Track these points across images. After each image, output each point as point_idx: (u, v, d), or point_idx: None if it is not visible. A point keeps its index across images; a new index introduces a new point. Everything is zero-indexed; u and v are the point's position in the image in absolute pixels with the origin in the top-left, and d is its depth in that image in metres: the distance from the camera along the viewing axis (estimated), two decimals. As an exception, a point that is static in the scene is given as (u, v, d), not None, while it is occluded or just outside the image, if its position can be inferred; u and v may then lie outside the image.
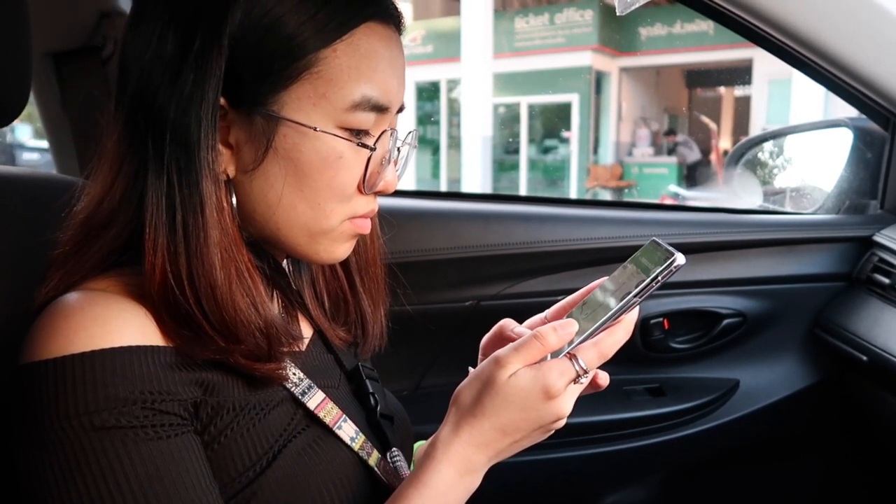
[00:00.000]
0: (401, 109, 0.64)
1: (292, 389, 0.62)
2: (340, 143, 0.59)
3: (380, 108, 0.60)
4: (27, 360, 0.52)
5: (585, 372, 0.58)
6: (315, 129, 0.57)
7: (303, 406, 0.62)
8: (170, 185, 0.55)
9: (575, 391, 0.60)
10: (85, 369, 0.50)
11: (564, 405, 0.58)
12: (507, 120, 12.73)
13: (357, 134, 0.59)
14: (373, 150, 0.60)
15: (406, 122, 0.65)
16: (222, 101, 0.56)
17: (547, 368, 0.57)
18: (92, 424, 0.49)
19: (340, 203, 0.61)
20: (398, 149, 0.66)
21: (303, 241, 0.62)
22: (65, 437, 0.49)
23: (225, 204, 0.57)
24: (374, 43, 0.59)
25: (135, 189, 0.56)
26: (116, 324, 0.53)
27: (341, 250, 0.65)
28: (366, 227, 0.65)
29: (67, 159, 1.27)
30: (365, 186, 0.61)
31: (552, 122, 12.56)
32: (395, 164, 0.66)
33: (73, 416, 0.49)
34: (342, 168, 0.59)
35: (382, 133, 0.61)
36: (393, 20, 0.61)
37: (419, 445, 0.87)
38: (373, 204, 0.65)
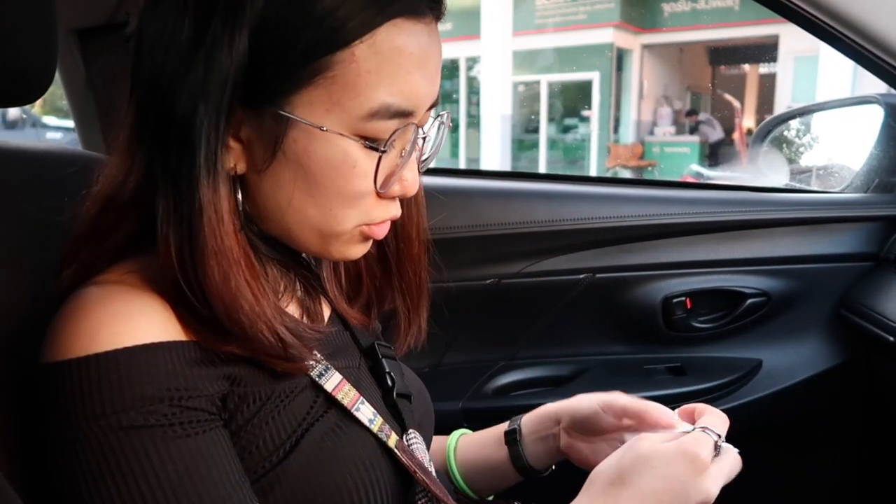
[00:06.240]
0: (433, 105, 0.59)
1: (311, 373, 0.61)
2: (354, 148, 0.55)
3: (402, 114, 0.55)
4: (50, 360, 0.51)
5: (720, 436, 0.61)
6: (323, 130, 0.53)
7: (322, 390, 0.61)
8: (175, 185, 0.52)
9: (719, 471, 0.59)
10: (110, 368, 0.50)
11: (712, 482, 0.58)
12: (526, 98, 12.61)
13: (374, 140, 0.55)
14: (382, 152, 0.55)
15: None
16: None
17: (689, 438, 0.60)
18: (120, 424, 0.49)
19: (353, 209, 0.58)
20: (422, 139, 0.61)
21: (314, 241, 0.60)
22: (93, 437, 0.49)
23: (227, 205, 0.54)
24: (399, 42, 0.53)
25: (148, 183, 0.54)
26: (138, 320, 0.52)
27: (354, 251, 0.62)
28: (380, 233, 0.61)
29: (92, 136, 1.28)
30: (378, 189, 0.58)
31: (572, 100, 12.42)
32: (420, 160, 0.63)
33: (101, 416, 0.49)
34: (356, 175, 0.56)
35: (394, 132, 0.55)
36: (430, 10, 0.56)
37: (460, 434, 0.88)
38: (392, 208, 0.61)
